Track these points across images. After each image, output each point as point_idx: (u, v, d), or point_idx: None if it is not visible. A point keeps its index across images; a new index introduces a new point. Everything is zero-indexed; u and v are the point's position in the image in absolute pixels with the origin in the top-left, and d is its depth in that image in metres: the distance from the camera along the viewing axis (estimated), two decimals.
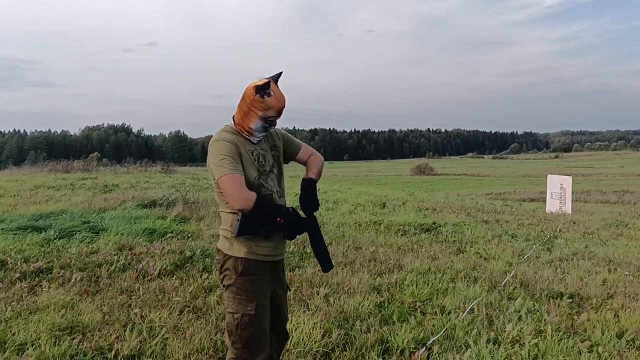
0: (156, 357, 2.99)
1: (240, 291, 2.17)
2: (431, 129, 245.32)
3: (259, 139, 2.25)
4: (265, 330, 2.22)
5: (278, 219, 2.14)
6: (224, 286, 2.25)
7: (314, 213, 2.32)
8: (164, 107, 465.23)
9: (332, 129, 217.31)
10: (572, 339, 3.32)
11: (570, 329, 3.53)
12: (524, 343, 3.21)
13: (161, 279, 4.52)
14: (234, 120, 2.26)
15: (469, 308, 3.83)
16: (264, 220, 2.13)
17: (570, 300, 4.15)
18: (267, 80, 2.17)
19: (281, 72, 2.25)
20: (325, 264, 2.32)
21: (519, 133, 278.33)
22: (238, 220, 2.13)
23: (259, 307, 2.18)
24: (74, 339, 3.13)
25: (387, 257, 5.65)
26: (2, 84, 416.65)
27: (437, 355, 3.06)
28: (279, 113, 2.21)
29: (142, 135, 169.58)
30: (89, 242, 5.83)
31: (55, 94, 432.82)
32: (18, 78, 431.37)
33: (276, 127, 2.30)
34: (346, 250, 5.90)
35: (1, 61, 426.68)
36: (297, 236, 2.29)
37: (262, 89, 2.17)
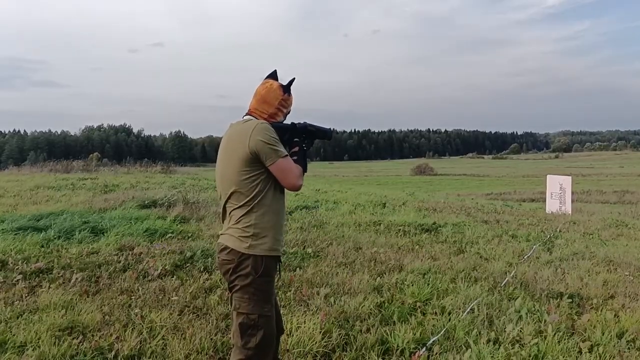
0: (156, 357, 2.99)
1: (259, 292, 2.18)
2: (431, 129, 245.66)
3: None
4: (275, 330, 2.25)
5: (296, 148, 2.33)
6: (233, 287, 2.23)
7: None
8: (166, 107, 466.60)
9: (332, 129, 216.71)
10: (573, 339, 3.32)
11: (571, 329, 3.54)
12: (524, 343, 3.21)
13: (161, 279, 4.52)
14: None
15: (469, 308, 3.83)
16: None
17: (571, 300, 4.15)
18: (291, 79, 2.33)
19: (292, 78, 2.37)
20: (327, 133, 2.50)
21: (519, 133, 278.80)
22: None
23: (272, 308, 2.23)
24: (74, 339, 3.13)
25: (387, 257, 5.64)
26: (6, 84, 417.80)
27: (437, 355, 3.06)
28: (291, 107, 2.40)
29: (142, 135, 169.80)
30: (89, 243, 5.83)
31: (58, 94, 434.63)
32: (22, 78, 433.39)
33: None
34: (346, 251, 5.90)
35: (6, 61, 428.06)
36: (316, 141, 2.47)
37: (288, 88, 2.32)
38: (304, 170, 2.28)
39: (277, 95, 2.28)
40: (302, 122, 2.41)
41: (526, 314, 3.71)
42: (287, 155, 2.18)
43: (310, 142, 2.40)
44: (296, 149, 2.31)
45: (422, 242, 6.70)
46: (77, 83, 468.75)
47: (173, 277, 4.59)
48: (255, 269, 2.17)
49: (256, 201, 2.18)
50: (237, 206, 2.22)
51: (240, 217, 2.20)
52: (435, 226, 7.91)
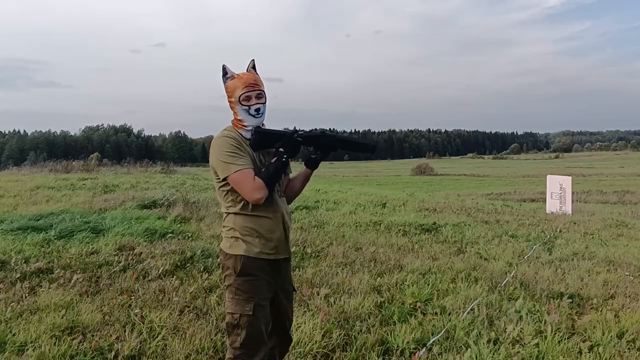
0: (156, 357, 2.99)
1: (239, 291, 2.19)
2: (431, 129, 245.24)
3: (249, 130, 2.24)
4: (263, 331, 2.21)
5: (280, 149, 2.23)
6: (225, 287, 2.27)
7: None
8: (166, 107, 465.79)
9: (332, 129, 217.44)
10: (573, 339, 3.32)
11: (571, 329, 3.54)
12: (524, 343, 3.21)
13: (161, 279, 4.52)
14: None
15: (469, 308, 3.83)
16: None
17: (571, 300, 4.15)
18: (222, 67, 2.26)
19: (252, 60, 2.30)
20: (368, 147, 2.39)
21: (519, 133, 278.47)
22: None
23: (257, 308, 2.18)
24: (74, 339, 3.13)
25: (387, 257, 5.64)
26: (8, 85, 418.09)
27: (437, 355, 3.06)
28: (248, 87, 2.22)
29: (143, 135, 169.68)
30: (89, 243, 5.83)
31: (59, 94, 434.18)
32: (24, 78, 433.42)
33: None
34: (346, 251, 5.90)
35: (9, 62, 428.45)
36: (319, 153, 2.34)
37: (222, 77, 2.26)
38: (268, 183, 2.14)
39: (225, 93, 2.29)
40: (309, 130, 2.35)
41: (526, 314, 3.71)
42: (240, 170, 2.11)
43: (323, 152, 2.32)
44: (274, 159, 2.21)
45: (422, 242, 6.70)
46: (79, 84, 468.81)
47: (173, 277, 4.59)
48: (234, 268, 2.19)
49: (236, 207, 2.21)
50: (223, 210, 2.30)
51: (225, 219, 2.29)
52: (435, 226, 7.91)
